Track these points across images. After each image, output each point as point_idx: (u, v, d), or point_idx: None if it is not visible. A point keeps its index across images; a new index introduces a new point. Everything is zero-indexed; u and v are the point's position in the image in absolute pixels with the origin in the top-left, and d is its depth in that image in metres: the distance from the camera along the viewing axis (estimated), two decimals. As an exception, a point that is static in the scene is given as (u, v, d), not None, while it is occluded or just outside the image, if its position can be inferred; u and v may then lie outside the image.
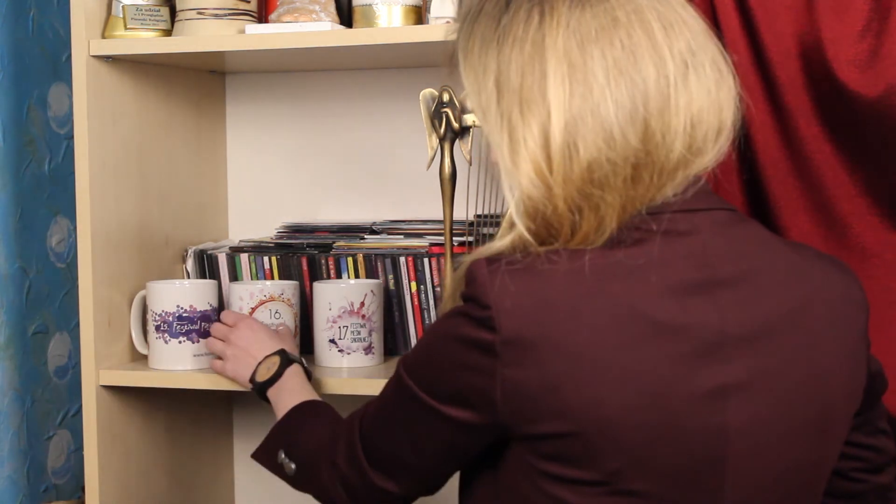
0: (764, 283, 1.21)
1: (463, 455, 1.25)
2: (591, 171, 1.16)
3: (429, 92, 1.79)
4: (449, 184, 1.81)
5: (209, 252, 2.04)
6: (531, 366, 1.15)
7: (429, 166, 1.80)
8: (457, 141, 1.80)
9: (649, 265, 1.17)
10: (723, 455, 1.18)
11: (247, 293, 1.88)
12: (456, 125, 1.77)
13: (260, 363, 1.71)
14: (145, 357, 1.93)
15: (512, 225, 1.21)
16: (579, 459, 1.16)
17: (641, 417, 1.15)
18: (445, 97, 1.77)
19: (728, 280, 1.19)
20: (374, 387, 1.77)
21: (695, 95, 1.18)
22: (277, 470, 1.52)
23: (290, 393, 1.64)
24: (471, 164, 1.81)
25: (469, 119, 1.77)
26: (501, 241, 1.22)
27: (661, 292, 1.16)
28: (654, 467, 1.16)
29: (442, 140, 1.79)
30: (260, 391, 1.69)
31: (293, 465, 1.48)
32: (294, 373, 1.69)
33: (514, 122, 1.18)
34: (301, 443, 1.49)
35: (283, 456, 1.50)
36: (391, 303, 1.95)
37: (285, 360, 1.70)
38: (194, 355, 1.89)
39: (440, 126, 1.78)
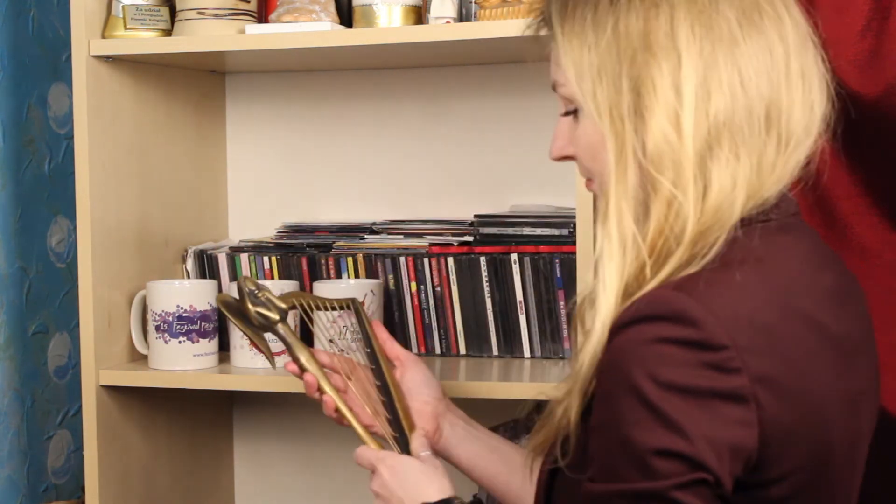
0: (853, 291, 1.22)
1: None
2: (725, 121, 1.10)
3: (225, 295, 1.62)
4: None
5: (209, 252, 2.04)
6: (783, 401, 1.07)
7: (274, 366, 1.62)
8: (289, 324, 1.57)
9: (807, 271, 1.14)
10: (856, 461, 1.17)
11: (247, 293, 1.88)
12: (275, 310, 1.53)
13: None
14: (145, 357, 1.93)
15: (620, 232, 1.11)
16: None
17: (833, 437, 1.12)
18: (250, 285, 1.54)
19: (843, 287, 1.19)
20: (374, 387, 1.77)
21: (805, 77, 1.14)
22: None
23: None
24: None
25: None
26: (619, 260, 1.11)
27: (827, 302, 1.14)
28: (814, 487, 1.12)
29: (274, 325, 1.54)
30: None
31: None
32: None
33: (640, 70, 1.10)
34: None
35: None
36: (391, 303, 1.95)
37: None
38: (194, 355, 1.89)
39: (262, 316, 1.53)
